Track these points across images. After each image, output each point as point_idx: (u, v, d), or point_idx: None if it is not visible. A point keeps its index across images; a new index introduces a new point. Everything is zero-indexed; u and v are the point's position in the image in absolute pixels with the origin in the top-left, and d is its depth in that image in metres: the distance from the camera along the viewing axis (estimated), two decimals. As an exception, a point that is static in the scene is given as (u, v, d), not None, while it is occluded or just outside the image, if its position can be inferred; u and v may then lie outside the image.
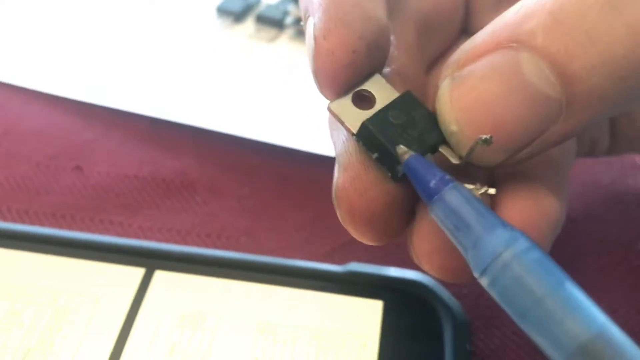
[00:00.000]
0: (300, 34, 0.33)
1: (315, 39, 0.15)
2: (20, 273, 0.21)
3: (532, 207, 0.16)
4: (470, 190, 0.14)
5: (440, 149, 0.15)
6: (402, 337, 0.20)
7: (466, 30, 0.22)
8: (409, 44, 0.18)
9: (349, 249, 0.24)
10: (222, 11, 0.34)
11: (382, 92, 0.16)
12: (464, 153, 0.15)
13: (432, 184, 0.14)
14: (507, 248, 0.13)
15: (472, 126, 0.15)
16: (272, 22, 0.33)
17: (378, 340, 0.20)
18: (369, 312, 0.20)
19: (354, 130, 0.16)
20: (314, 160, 0.26)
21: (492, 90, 0.14)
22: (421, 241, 0.16)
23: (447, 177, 0.14)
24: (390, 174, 0.16)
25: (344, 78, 0.16)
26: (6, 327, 0.20)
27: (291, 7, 0.33)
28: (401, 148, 0.15)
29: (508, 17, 0.15)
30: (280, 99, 0.29)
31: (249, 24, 0.34)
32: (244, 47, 0.32)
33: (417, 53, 0.19)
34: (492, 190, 0.15)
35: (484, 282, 0.13)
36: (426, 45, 0.20)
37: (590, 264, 0.23)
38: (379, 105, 0.16)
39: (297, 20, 0.33)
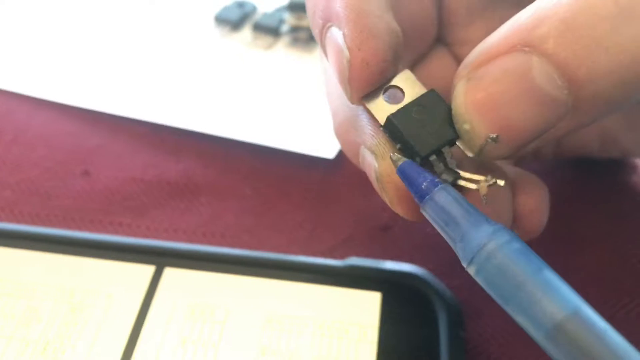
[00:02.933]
0: (295, 41, 0.34)
1: (350, 49, 0.16)
2: (36, 272, 0.22)
3: (543, 191, 0.17)
4: (457, 191, 0.15)
5: (457, 143, 0.16)
6: (400, 325, 0.21)
7: (440, 39, 0.23)
8: None
9: (347, 246, 0.25)
10: (220, 20, 0.35)
11: (411, 87, 0.17)
12: (475, 149, 0.16)
13: (423, 186, 0.15)
14: (490, 240, 0.14)
15: (483, 125, 0.16)
16: (268, 30, 0.34)
17: (377, 329, 0.21)
18: (369, 302, 0.21)
19: (382, 122, 0.17)
20: (312, 162, 0.28)
21: (503, 93, 0.15)
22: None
23: (437, 179, 0.15)
24: None
25: (376, 84, 0.17)
26: (25, 322, 0.21)
27: (286, 16, 0.34)
28: (395, 155, 0.16)
29: (522, 20, 0.15)
30: (277, 104, 0.31)
31: (246, 32, 0.35)
32: (241, 54, 0.34)
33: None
34: (500, 182, 0.16)
35: (471, 270, 0.14)
36: (404, 51, 0.21)
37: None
38: (408, 99, 0.17)
39: (292, 29, 0.34)
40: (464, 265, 0.15)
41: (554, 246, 0.24)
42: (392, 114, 0.17)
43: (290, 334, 0.21)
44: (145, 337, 0.20)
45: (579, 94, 0.15)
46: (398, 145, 0.17)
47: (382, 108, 0.17)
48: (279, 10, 0.35)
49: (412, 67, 0.22)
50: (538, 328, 0.13)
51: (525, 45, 0.15)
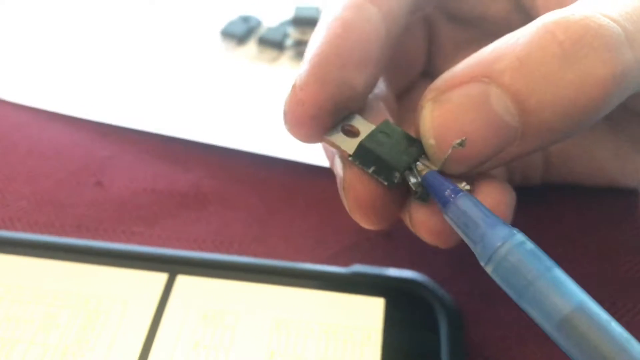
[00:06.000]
0: (299, 54, 0.35)
1: (293, 87, 0.18)
2: (53, 280, 0.23)
3: (502, 193, 0.19)
4: (476, 197, 0.17)
5: (419, 161, 0.18)
6: (403, 330, 0.22)
7: (426, 72, 0.25)
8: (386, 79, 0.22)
9: (351, 252, 0.26)
10: (226, 34, 0.36)
11: (363, 126, 0.19)
12: (438, 163, 0.18)
13: (447, 192, 0.17)
14: (506, 241, 0.16)
15: (446, 142, 0.18)
16: (273, 44, 0.35)
17: (381, 333, 0.22)
18: (372, 308, 0.22)
19: (350, 152, 0.19)
20: (317, 172, 0.29)
21: (465, 114, 0.17)
22: (416, 213, 0.19)
23: (458, 187, 0.17)
24: (386, 182, 0.18)
25: (308, 126, 0.18)
26: (44, 328, 0.22)
27: (290, 30, 0.36)
28: (419, 165, 0.18)
29: (483, 55, 0.18)
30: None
31: (252, 45, 0.36)
32: (247, 67, 0.35)
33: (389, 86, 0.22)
34: (467, 187, 0.18)
35: (488, 269, 0.16)
36: (393, 81, 0.23)
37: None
38: (363, 134, 0.19)
39: (296, 42, 0.35)
40: (482, 263, 0.16)
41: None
42: (364, 139, 0.19)
43: (297, 338, 0.21)
44: (160, 342, 0.21)
45: (527, 121, 0.17)
46: (371, 169, 0.18)
47: (345, 141, 0.19)
48: (283, 24, 0.36)
49: (401, 95, 0.24)
50: (548, 321, 0.14)
51: (486, 76, 0.17)
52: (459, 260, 0.25)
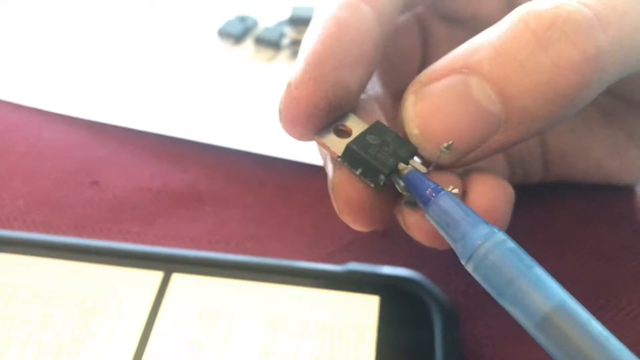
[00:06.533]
0: (295, 54, 0.35)
1: (288, 85, 0.18)
2: (49, 279, 0.23)
3: (498, 190, 0.19)
4: (456, 195, 0.17)
5: (409, 162, 0.18)
6: (397, 327, 0.22)
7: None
8: (382, 80, 0.23)
9: (347, 251, 0.26)
10: (223, 34, 0.36)
11: (356, 125, 0.19)
12: (426, 155, 0.18)
13: (427, 191, 0.17)
14: (486, 240, 0.15)
15: (430, 131, 0.18)
16: (270, 44, 0.35)
17: (376, 331, 0.22)
18: (367, 306, 0.22)
19: (339, 153, 0.19)
20: (312, 171, 0.29)
21: (446, 105, 0.18)
22: (409, 215, 0.19)
23: (439, 186, 0.17)
24: (372, 185, 0.18)
25: (303, 124, 0.19)
26: (40, 327, 0.22)
27: (287, 30, 0.36)
28: (401, 165, 0.18)
29: (460, 50, 0.18)
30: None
31: (248, 45, 0.36)
32: (244, 67, 0.35)
33: (386, 87, 0.23)
34: (455, 190, 0.18)
35: (469, 267, 0.16)
36: (389, 82, 0.24)
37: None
38: (356, 133, 0.19)
39: (293, 42, 0.35)
40: (463, 262, 0.16)
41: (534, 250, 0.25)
42: (351, 142, 0.19)
43: (292, 336, 0.22)
44: (155, 340, 0.21)
45: (509, 107, 0.17)
46: (359, 171, 0.18)
47: (335, 142, 0.19)
48: (280, 24, 0.36)
49: (397, 97, 0.24)
50: (528, 319, 0.14)
51: (465, 67, 0.17)
52: (454, 259, 0.25)
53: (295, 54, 0.35)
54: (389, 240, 0.26)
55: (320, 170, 0.29)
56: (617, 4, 0.17)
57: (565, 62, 0.16)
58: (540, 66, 0.16)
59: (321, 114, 0.18)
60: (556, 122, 0.18)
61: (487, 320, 0.23)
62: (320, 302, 0.22)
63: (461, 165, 0.19)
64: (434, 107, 0.18)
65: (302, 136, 0.19)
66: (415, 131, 0.18)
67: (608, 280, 0.25)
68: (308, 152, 0.29)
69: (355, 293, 0.23)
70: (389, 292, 0.23)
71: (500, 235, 0.15)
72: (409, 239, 0.27)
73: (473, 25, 0.25)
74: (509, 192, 0.19)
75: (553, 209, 0.27)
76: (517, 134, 0.18)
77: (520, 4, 0.23)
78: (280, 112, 0.19)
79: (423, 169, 0.18)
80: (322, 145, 0.19)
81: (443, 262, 0.25)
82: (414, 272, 0.23)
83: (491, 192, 0.19)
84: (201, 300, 0.22)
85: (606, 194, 0.27)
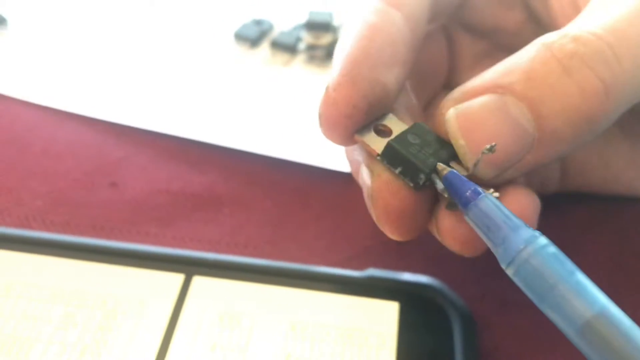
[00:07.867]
0: (312, 58, 0.35)
1: (326, 88, 0.19)
2: (71, 279, 0.23)
3: (528, 199, 0.19)
4: (497, 198, 0.17)
5: (451, 164, 0.19)
6: (417, 333, 0.22)
7: (448, 85, 0.26)
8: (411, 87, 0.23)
9: (364, 257, 0.26)
10: (239, 37, 0.36)
11: (396, 125, 0.19)
12: (469, 165, 0.18)
13: (468, 193, 0.17)
14: (528, 244, 0.16)
15: (475, 142, 0.18)
16: (286, 48, 0.35)
17: (395, 337, 0.22)
18: (387, 312, 0.22)
19: (379, 151, 0.19)
20: (330, 176, 0.29)
21: (488, 119, 0.18)
22: (444, 220, 0.19)
23: (479, 188, 0.17)
24: (412, 184, 0.19)
25: (343, 126, 0.19)
26: (63, 327, 0.22)
27: (303, 34, 0.36)
28: (441, 166, 0.18)
29: (490, 73, 0.19)
30: (296, 119, 0.32)
31: (264, 49, 0.36)
32: (260, 70, 0.35)
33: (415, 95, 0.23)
34: (496, 194, 0.18)
35: (509, 272, 0.16)
36: (418, 93, 0.24)
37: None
38: (395, 134, 0.19)
39: (309, 47, 0.35)
40: (503, 266, 0.16)
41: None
42: (392, 139, 0.19)
43: (313, 341, 0.22)
44: (178, 342, 0.21)
45: (541, 127, 0.18)
46: (398, 170, 0.19)
47: (375, 140, 0.19)
48: (296, 28, 0.36)
49: (425, 108, 0.24)
50: (569, 325, 0.15)
51: (499, 88, 0.18)
52: (472, 266, 0.25)
53: (311, 58, 0.35)
54: (407, 246, 0.26)
55: (338, 175, 0.29)
56: (630, 36, 0.18)
57: (589, 88, 0.17)
58: (569, 90, 0.17)
59: (360, 114, 0.18)
60: (580, 144, 0.18)
61: (503, 327, 0.24)
62: (340, 307, 0.23)
63: (499, 181, 0.19)
64: (477, 120, 0.18)
65: (342, 139, 0.19)
66: (462, 142, 0.18)
67: (620, 288, 0.25)
68: (326, 157, 0.29)
69: (375, 299, 0.23)
70: (409, 298, 0.23)
71: (542, 240, 0.16)
72: (427, 245, 0.27)
73: (495, 37, 0.25)
74: (537, 201, 0.20)
75: (564, 216, 0.27)
76: (545, 155, 0.18)
77: (541, 18, 0.24)
78: (320, 116, 0.19)
79: (463, 171, 0.18)
80: (362, 143, 0.19)
81: (459, 269, 0.25)
82: (434, 279, 0.23)
83: (522, 200, 0.19)
84: (222, 303, 0.23)
85: (618, 201, 0.27)
